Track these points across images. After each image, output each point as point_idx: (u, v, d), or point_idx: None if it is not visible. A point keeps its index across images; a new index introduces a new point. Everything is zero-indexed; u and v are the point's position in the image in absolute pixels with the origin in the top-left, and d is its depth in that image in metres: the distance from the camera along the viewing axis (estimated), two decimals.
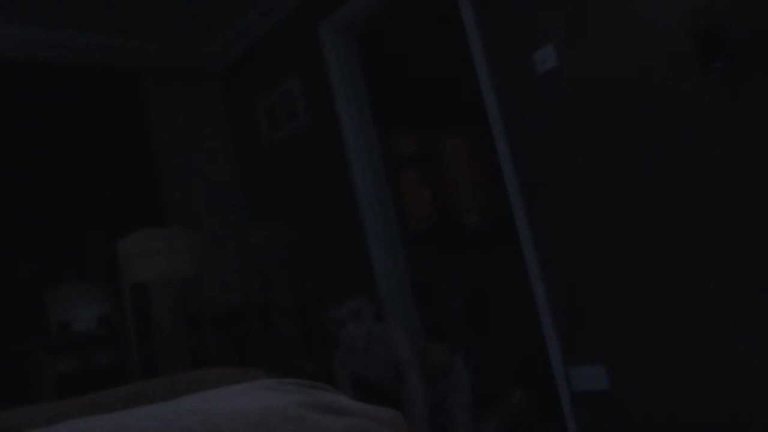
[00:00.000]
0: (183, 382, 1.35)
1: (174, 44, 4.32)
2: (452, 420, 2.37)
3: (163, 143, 4.22)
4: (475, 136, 6.02)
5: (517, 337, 4.43)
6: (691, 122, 2.28)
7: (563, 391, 2.71)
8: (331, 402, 0.92)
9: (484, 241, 5.63)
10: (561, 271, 2.70)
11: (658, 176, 2.37)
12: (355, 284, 2.19)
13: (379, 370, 2.32)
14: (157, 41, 4.23)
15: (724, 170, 2.21)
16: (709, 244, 2.26)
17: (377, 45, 5.11)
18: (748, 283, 2.18)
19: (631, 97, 2.43)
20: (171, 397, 1.29)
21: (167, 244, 2.76)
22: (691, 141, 2.28)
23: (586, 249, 2.60)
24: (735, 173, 2.19)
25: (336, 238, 3.76)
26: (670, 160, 2.34)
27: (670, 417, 2.40)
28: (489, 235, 5.75)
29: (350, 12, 3.54)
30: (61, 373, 3.01)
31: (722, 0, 2.17)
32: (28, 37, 3.73)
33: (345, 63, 3.69)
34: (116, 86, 4.10)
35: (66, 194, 3.74)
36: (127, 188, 3.98)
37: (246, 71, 4.34)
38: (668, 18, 2.31)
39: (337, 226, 3.75)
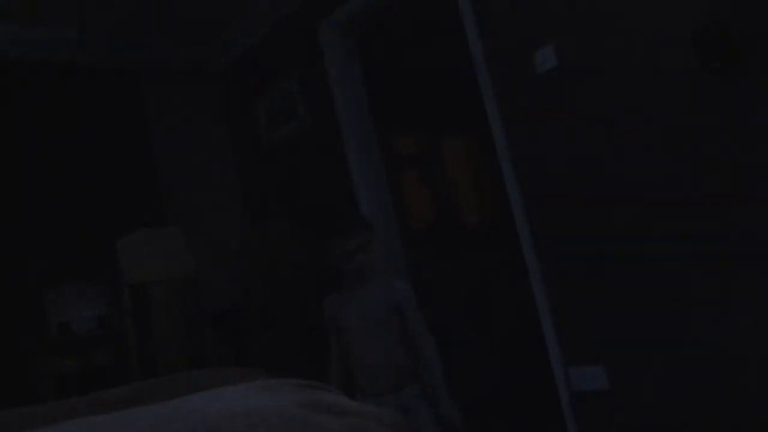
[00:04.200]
0: (183, 382, 1.35)
1: (174, 44, 4.31)
2: None
3: (163, 143, 4.22)
4: (475, 136, 6.02)
5: (516, 337, 4.43)
6: (691, 122, 2.27)
7: (563, 391, 2.71)
8: (331, 402, 0.92)
9: (484, 241, 5.63)
10: (561, 271, 2.70)
11: (658, 176, 2.37)
12: (360, 220, 2.13)
13: (370, 315, 2.19)
14: (157, 41, 4.22)
15: (724, 170, 2.21)
16: (710, 245, 2.26)
17: (377, 45, 5.10)
18: (749, 283, 2.18)
19: (631, 98, 2.42)
20: (171, 397, 1.29)
21: (167, 244, 2.76)
22: (692, 141, 2.28)
23: (586, 249, 2.60)
24: (736, 173, 2.19)
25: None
26: (670, 160, 2.34)
27: (671, 417, 2.40)
28: (489, 235, 5.75)
29: (350, 12, 3.54)
30: (61, 373, 3.01)
31: (722, 0, 2.17)
32: (28, 37, 3.73)
33: (345, 63, 3.69)
34: (116, 86, 4.10)
35: (66, 194, 3.74)
36: (127, 188, 3.98)
37: (246, 71, 4.33)
38: (668, 18, 2.30)
39: (341, 225, 3.75)
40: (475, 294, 4.26)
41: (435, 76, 5.81)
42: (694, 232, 2.29)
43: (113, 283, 3.73)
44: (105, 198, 3.87)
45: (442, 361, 2.17)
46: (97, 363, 3.02)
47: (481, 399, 4.02)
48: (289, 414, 0.83)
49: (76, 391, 3.44)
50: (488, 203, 5.88)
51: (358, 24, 3.64)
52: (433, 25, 4.92)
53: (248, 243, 2.96)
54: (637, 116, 2.42)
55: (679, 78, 2.29)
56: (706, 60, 2.15)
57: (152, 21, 3.99)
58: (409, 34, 5.00)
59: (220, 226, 4.34)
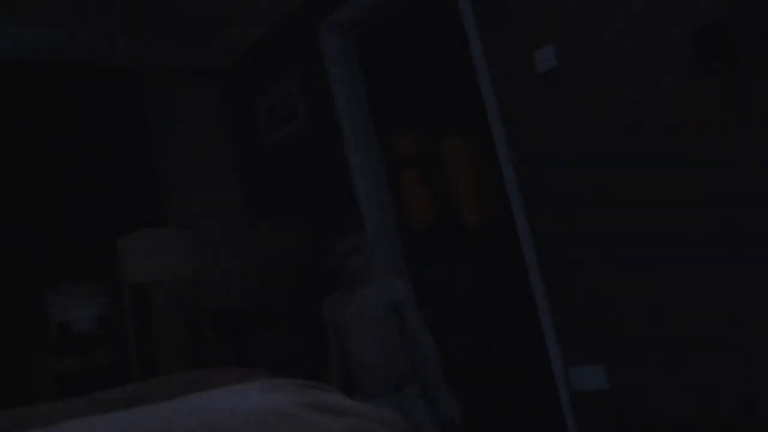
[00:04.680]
0: (183, 382, 1.35)
1: (174, 44, 4.31)
2: None
3: (163, 143, 4.22)
4: (475, 136, 6.02)
5: (516, 337, 4.43)
6: (691, 122, 2.28)
7: (563, 391, 2.71)
8: (332, 402, 0.92)
9: (484, 241, 5.63)
10: (561, 271, 2.70)
11: (657, 176, 2.37)
12: (351, 220, 2.17)
13: (370, 315, 2.20)
14: (157, 41, 4.22)
15: (724, 170, 2.21)
16: (710, 244, 2.26)
17: (377, 45, 5.10)
18: (748, 282, 2.18)
19: (631, 98, 2.43)
20: (171, 397, 1.29)
21: (167, 244, 2.76)
22: (692, 141, 2.28)
23: (586, 249, 2.60)
24: (735, 173, 2.19)
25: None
26: (670, 160, 2.34)
27: (670, 417, 2.40)
28: (489, 236, 5.75)
29: (350, 12, 3.54)
30: (61, 373, 3.01)
31: (722, 0, 2.17)
32: (28, 37, 3.73)
33: (345, 63, 3.69)
34: (116, 86, 4.10)
35: (66, 194, 3.74)
36: (127, 188, 3.98)
37: (246, 71, 4.33)
38: (668, 18, 2.31)
39: (336, 226, 3.75)
40: (475, 294, 4.26)
41: (434, 76, 5.81)
42: (694, 231, 2.30)
43: (113, 283, 3.72)
44: (105, 198, 3.87)
45: (442, 361, 2.17)
46: (97, 363, 3.02)
47: (481, 399, 4.02)
48: (289, 414, 0.83)
49: (76, 391, 3.44)
50: (488, 203, 5.88)
51: (358, 24, 3.64)
52: (433, 25, 4.92)
53: (248, 243, 2.96)
54: (636, 116, 2.42)
55: (679, 78, 2.29)
56: (706, 60, 2.15)
57: (152, 21, 3.99)
58: (409, 34, 5.00)
59: (220, 226, 4.34)
